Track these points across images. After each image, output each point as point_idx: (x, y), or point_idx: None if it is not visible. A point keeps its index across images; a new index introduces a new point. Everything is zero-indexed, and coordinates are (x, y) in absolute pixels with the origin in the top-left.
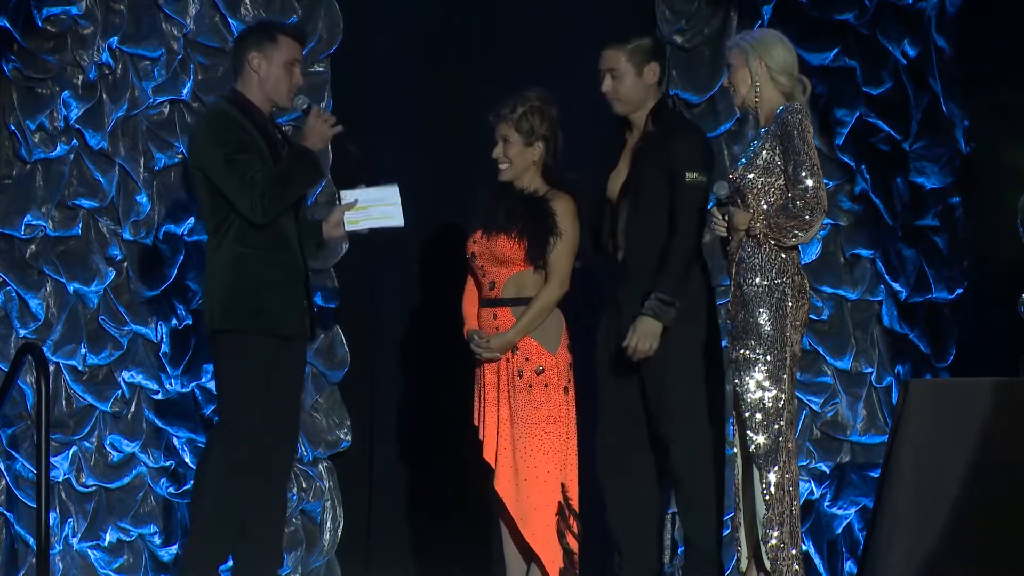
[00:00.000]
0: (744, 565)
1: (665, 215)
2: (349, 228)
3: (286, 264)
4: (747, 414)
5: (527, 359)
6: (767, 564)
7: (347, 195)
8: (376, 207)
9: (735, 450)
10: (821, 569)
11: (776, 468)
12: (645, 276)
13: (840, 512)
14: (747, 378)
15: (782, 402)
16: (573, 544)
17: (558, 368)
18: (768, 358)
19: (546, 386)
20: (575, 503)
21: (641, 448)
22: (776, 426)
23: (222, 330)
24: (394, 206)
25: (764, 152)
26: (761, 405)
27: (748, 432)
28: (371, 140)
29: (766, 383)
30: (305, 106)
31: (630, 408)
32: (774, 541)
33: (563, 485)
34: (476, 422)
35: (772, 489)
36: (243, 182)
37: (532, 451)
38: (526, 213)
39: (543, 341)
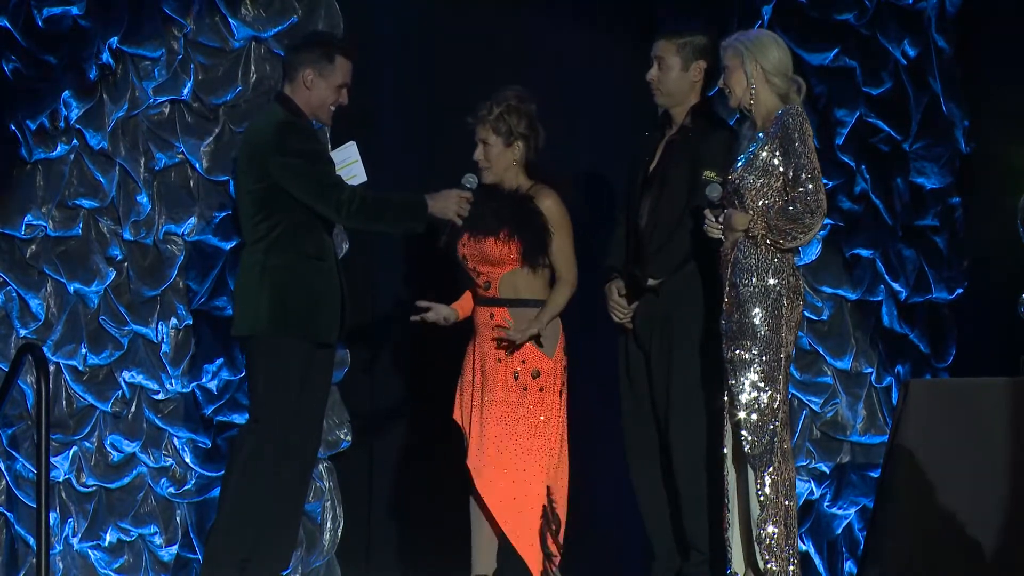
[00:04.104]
0: (736, 565)
1: (683, 208)
2: None
3: (330, 273)
4: (742, 415)
5: (523, 361)
6: (761, 565)
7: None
8: (342, 168)
9: (727, 450)
10: (821, 569)
11: (771, 469)
12: None
13: (840, 512)
14: (742, 379)
15: (777, 403)
16: (553, 547)
17: (554, 372)
18: (763, 359)
19: (541, 390)
20: (560, 506)
21: (660, 446)
22: (771, 427)
23: (270, 333)
24: (356, 163)
25: (763, 153)
26: (756, 406)
27: (743, 432)
28: (371, 140)
29: (761, 384)
30: (469, 186)
31: (648, 407)
32: (769, 541)
33: (548, 488)
34: (455, 416)
35: (767, 490)
36: (326, 184)
37: (522, 453)
38: (513, 213)
39: (540, 344)
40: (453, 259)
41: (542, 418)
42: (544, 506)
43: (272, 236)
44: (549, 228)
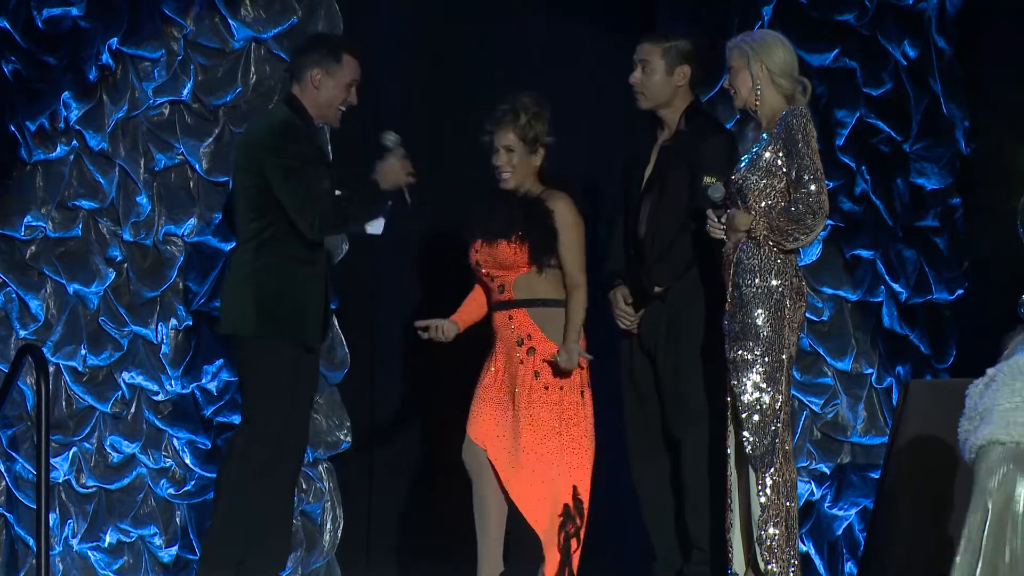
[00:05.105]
0: (737, 566)
1: (684, 213)
2: None
3: (318, 276)
4: (744, 415)
5: (544, 360)
6: (762, 566)
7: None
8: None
9: (730, 451)
10: (821, 570)
11: (772, 469)
12: None
13: (840, 513)
14: (744, 379)
15: (779, 403)
16: (574, 545)
17: (576, 371)
18: (766, 359)
19: (561, 389)
20: (585, 506)
21: (663, 448)
22: (773, 427)
23: (255, 335)
24: (379, 220)
25: (767, 154)
26: (758, 406)
27: (745, 433)
28: (371, 140)
29: (763, 384)
30: (393, 146)
31: (653, 409)
32: (770, 542)
33: (575, 488)
34: (469, 429)
35: (768, 491)
36: (308, 198)
37: (545, 452)
38: (524, 216)
39: (560, 344)
40: (466, 262)
41: (563, 417)
42: (566, 504)
43: (263, 237)
44: (556, 228)
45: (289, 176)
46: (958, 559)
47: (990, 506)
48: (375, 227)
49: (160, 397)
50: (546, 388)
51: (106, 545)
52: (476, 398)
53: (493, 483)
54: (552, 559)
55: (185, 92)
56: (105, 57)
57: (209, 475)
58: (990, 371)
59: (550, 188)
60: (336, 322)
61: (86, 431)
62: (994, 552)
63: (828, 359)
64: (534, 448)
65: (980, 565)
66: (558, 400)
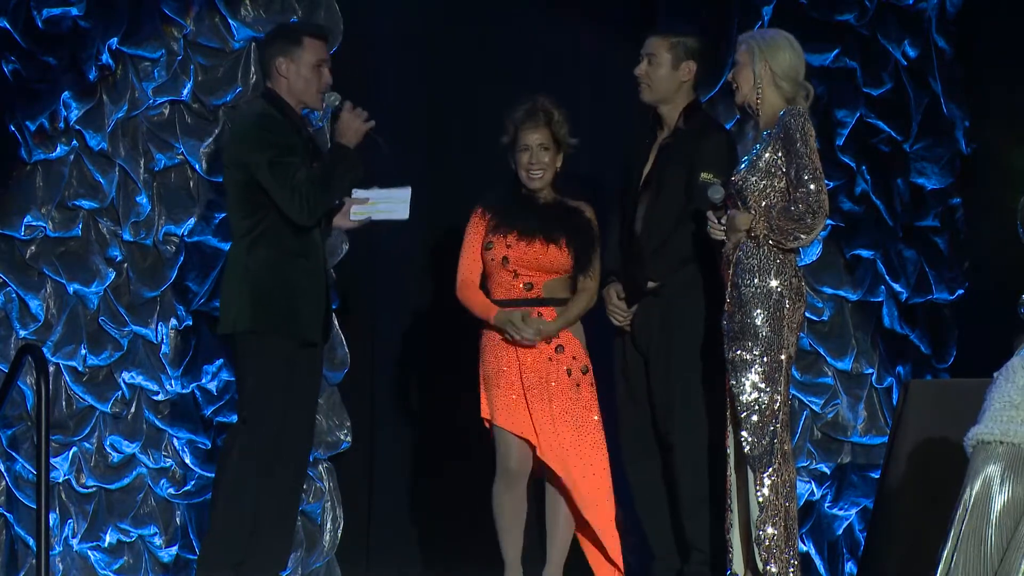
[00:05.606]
0: (736, 566)
1: (681, 210)
2: (354, 217)
3: (315, 271)
4: (742, 415)
5: (574, 358)
6: (760, 566)
7: (360, 193)
8: (384, 203)
9: (729, 451)
10: (822, 570)
11: (771, 470)
12: None
13: (841, 513)
14: (743, 379)
15: (778, 404)
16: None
17: (593, 369)
18: (764, 360)
19: (591, 384)
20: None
21: (657, 447)
22: (771, 428)
23: (251, 331)
24: (402, 203)
25: (767, 154)
26: (756, 406)
27: (743, 433)
28: (370, 139)
29: (762, 384)
30: (338, 103)
31: (645, 407)
32: (768, 543)
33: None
34: (484, 415)
35: (766, 491)
36: (292, 187)
37: (586, 448)
38: (571, 223)
39: (584, 342)
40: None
41: (596, 413)
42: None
43: (255, 233)
44: (599, 240)
45: (272, 167)
46: (944, 554)
47: (970, 503)
48: (400, 212)
49: (160, 397)
50: (578, 385)
51: (106, 545)
52: (499, 386)
53: (524, 483)
54: (612, 546)
55: (185, 92)
56: (105, 57)
57: (209, 475)
58: (995, 373)
59: (573, 195)
60: (336, 322)
61: (86, 431)
62: (971, 548)
63: (828, 359)
64: (574, 445)
65: (955, 561)
66: (591, 397)
